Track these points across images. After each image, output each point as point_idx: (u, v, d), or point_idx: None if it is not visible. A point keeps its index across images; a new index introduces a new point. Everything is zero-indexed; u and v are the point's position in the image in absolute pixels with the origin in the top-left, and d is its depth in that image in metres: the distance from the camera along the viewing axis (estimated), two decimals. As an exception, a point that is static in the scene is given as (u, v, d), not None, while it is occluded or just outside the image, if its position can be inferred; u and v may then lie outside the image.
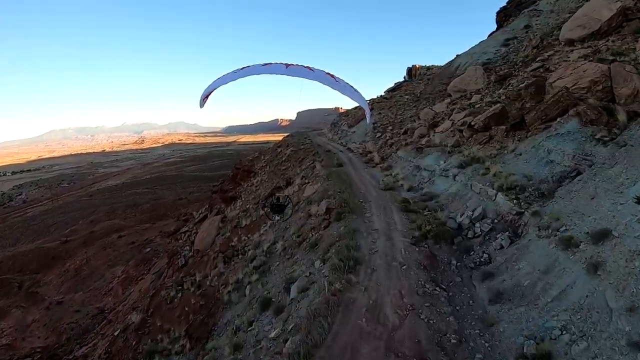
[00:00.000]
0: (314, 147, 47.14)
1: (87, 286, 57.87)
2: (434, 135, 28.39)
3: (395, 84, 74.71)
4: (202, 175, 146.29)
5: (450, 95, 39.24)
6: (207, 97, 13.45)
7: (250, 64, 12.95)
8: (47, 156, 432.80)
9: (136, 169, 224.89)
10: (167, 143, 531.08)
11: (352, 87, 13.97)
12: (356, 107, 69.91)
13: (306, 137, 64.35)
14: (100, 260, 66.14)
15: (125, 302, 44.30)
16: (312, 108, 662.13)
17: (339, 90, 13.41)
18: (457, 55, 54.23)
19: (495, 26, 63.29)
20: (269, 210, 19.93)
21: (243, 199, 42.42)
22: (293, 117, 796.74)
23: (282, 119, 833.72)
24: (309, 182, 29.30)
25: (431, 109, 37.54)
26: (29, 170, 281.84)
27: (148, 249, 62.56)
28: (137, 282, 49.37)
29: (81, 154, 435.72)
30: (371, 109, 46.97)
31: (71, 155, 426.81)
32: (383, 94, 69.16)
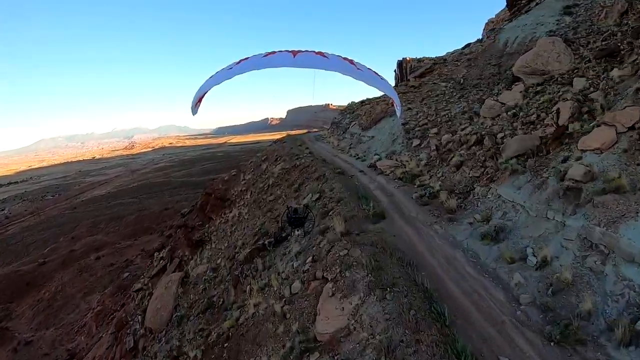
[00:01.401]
0: (315, 164, 32.12)
1: (60, 320, 51.46)
2: (584, 157, 14.69)
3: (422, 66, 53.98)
4: (190, 181, 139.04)
5: (519, 80, 28.16)
6: (199, 101, 11.82)
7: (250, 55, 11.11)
8: (37, 166, 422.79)
9: (124, 176, 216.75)
10: (157, 147, 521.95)
11: (376, 73, 12.14)
12: (366, 102, 59.66)
13: (301, 144, 50.59)
14: (76, 286, 59.63)
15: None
16: (302, 105, 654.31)
17: (362, 80, 11.44)
18: (499, 29, 44.06)
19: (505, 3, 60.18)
20: (287, 225, 17.72)
21: (214, 246, 32.55)
22: (283, 115, 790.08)
23: (272, 118, 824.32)
24: (333, 294, 12.66)
25: (496, 100, 26.32)
26: (16, 182, 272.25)
27: (127, 274, 55.97)
28: (111, 318, 42.41)
29: (71, 162, 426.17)
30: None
31: (60, 164, 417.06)
32: (410, 79, 49.92)
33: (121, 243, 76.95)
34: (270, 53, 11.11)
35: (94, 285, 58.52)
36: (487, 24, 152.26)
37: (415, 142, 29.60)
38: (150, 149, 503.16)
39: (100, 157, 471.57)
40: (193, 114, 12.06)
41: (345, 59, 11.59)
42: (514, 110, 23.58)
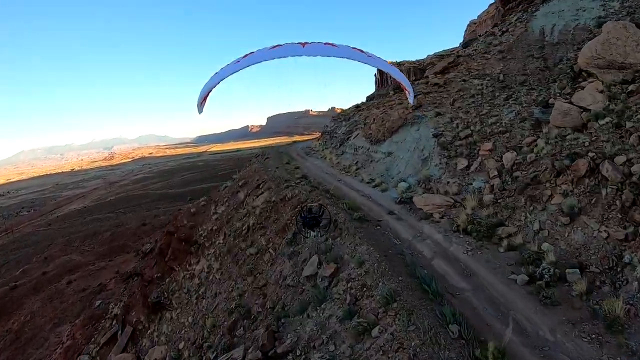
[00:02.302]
0: (316, 198, 23.07)
1: (27, 356, 46.69)
2: None
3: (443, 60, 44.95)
4: (169, 193, 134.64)
5: (590, 75, 22.03)
6: (205, 99, 11.96)
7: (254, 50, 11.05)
8: (16, 179, 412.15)
9: (101, 189, 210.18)
10: (137, 157, 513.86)
11: (386, 61, 12.99)
12: (362, 107, 55.34)
13: (289, 161, 42.77)
14: (46, 316, 55.05)
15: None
16: (282, 112, 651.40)
17: (373, 65, 12.40)
18: (529, 17, 38.99)
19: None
20: (301, 226, 16.48)
21: (175, 315, 25.66)
22: (263, 122, 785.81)
23: (252, 125, 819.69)
24: None
25: (570, 103, 19.61)
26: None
27: (99, 302, 51.99)
28: (79, 356, 38.87)
29: (50, 174, 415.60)
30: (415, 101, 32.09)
31: (39, 176, 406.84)
32: (431, 77, 40.01)
33: (95, 264, 72.63)
34: (277, 46, 10.91)
35: (64, 314, 54.29)
36: (469, 25, 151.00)
37: (461, 162, 22.20)
38: (130, 160, 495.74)
39: (79, 168, 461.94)
40: (199, 113, 12.07)
41: (354, 48, 11.75)
42: (610, 118, 17.09)
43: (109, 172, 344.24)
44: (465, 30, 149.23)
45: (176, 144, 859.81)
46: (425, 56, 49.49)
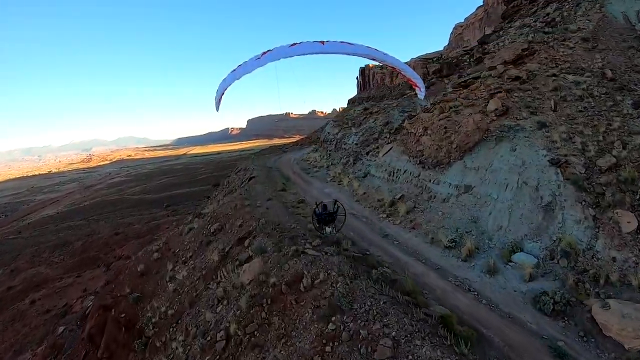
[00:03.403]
0: (361, 292, 11.68)
1: (-17, 393, 41.18)
2: None
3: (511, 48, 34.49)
4: (146, 198, 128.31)
5: None
6: (222, 95, 11.96)
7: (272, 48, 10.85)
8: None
9: (77, 193, 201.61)
10: (115, 160, 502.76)
11: (398, 59, 13.42)
12: (372, 109, 47.43)
13: (285, 186, 33.31)
14: (7, 341, 48.34)
15: None
16: (263, 115, 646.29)
17: (389, 62, 12.84)
18: (602, 2, 33.16)
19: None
20: (316, 223, 16.25)
21: None
22: (244, 124, 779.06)
23: (232, 128, 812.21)
24: None
25: None
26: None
27: (62, 328, 46.32)
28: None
29: (26, 177, 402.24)
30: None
31: (15, 179, 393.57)
32: (500, 67, 28.22)
33: (63, 279, 66.58)
34: (295, 44, 10.82)
35: (26, 340, 48.09)
36: (455, 28, 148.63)
37: (624, 219, 13.63)
38: (108, 162, 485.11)
39: (56, 171, 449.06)
40: (217, 110, 12.11)
41: (369, 47, 12.07)
42: None
43: (86, 174, 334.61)
44: (452, 33, 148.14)
45: (155, 146, 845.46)
46: (409, 59, 46.05)
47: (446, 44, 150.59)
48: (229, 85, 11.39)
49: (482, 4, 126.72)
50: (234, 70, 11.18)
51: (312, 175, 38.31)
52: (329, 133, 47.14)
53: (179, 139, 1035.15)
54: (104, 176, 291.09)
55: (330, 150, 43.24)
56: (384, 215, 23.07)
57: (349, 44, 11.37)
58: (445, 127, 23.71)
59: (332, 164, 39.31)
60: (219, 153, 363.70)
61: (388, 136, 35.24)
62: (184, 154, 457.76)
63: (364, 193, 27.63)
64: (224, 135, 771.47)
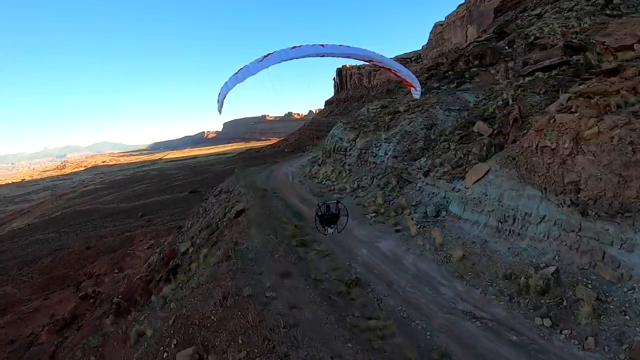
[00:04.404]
0: None
1: None
2: None
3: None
4: (119, 208, 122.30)
5: None
6: (224, 98, 11.97)
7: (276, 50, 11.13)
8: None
9: (49, 202, 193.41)
10: (90, 166, 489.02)
11: (395, 61, 14.18)
12: (393, 108, 37.48)
13: (298, 236, 20.93)
14: None
15: None
16: (238, 118, 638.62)
17: (386, 64, 13.40)
18: None
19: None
20: (318, 224, 15.35)
21: None
22: (220, 128, 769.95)
23: (208, 132, 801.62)
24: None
25: None
26: None
27: (26, 363, 41.31)
28: None
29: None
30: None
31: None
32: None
33: (30, 302, 61.13)
34: (296, 46, 11.05)
35: (-11, 380, 43.38)
36: (434, 27, 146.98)
37: None
38: (83, 168, 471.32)
39: (30, 178, 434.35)
40: (219, 113, 12.01)
41: (366, 50, 12.77)
42: None
43: (60, 182, 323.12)
44: (431, 32, 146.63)
45: (130, 152, 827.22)
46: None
47: (425, 43, 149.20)
48: (231, 88, 11.34)
49: (463, 2, 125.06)
50: (236, 73, 11.20)
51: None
52: (341, 139, 36.37)
53: (155, 143, 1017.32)
54: (77, 184, 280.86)
55: (348, 165, 32.84)
56: (538, 321, 12.58)
57: (347, 47, 11.91)
58: (631, 143, 13.56)
59: (359, 186, 29.01)
60: (195, 157, 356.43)
61: (453, 147, 25.34)
62: (160, 159, 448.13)
63: (462, 258, 16.96)
64: (200, 139, 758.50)
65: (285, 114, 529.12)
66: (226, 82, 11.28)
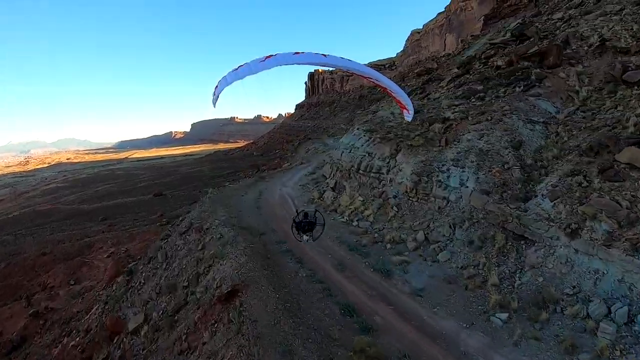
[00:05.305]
0: None
1: None
2: None
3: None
4: (80, 209, 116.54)
5: None
6: (220, 93, 11.73)
7: (278, 52, 11.27)
8: None
9: (7, 201, 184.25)
10: (53, 163, 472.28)
11: (390, 80, 14.39)
12: (451, 119, 27.54)
13: None
14: None
15: None
16: (207, 119, 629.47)
17: (383, 83, 13.34)
18: None
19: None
20: (294, 230, 15.63)
21: None
22: (187, 128, 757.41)
23: (176, 132, 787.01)
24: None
25: None
26: None
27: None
28: None
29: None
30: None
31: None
32: None
33: (-19, 314, 56.54)
34: (298, 52, 11.26)
35: None
36: (411, 34, 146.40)
37: None
38: (47, 165, 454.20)
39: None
40: (214, 106, 11.83)
41: (365, 65, 13.33)
42: None
43: (22, 179, 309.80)
44: (407, 40, 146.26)
45: (96, 149, 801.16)
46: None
47: (400, 50, 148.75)
48: (230, 84, 11.15)
49: (443, 10, 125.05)
50: (236, 69, 11.10)
51: (397, 287, 16.61)
52: (370, 155, 25.48)
53: (122, 142, 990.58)
54: (39, 181, 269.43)
55: (394, 198, 22.31)
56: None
57: (349, 60, 12.08)
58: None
59: (427, 239, 18.88)
60: (162, 158, 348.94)
61: (598, 185, 15.38)
62: (126, 158, 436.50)
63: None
64: (168, 139, 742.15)
65: (255, 117, 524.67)
66: (225, 77, 11.24)
